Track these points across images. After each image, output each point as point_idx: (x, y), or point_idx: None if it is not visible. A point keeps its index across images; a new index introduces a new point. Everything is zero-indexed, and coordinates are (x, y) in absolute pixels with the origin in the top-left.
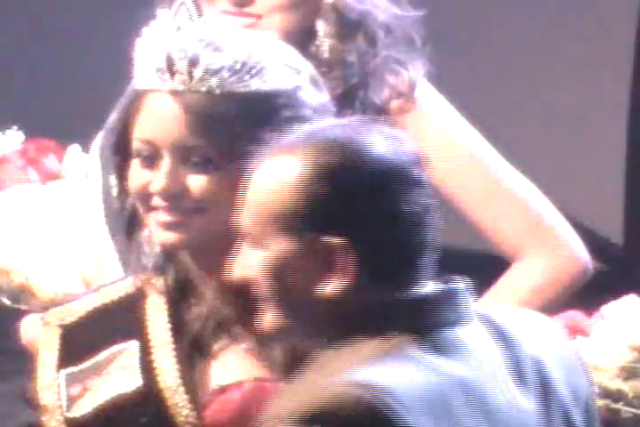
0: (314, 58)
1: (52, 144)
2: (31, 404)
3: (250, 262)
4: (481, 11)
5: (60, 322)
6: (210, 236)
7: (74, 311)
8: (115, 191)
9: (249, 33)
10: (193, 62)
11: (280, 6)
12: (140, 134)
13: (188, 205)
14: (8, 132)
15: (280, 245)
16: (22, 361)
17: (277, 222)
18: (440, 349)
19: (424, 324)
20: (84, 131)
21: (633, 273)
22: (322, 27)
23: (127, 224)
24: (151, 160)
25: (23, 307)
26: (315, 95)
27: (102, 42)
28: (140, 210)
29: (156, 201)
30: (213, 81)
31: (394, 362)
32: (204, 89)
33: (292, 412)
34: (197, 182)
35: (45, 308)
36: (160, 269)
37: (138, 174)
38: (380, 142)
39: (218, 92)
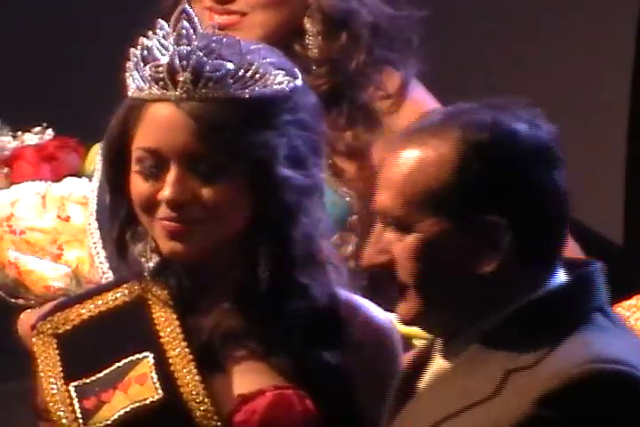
0: (299, 56)
1: (73, 142)
2: (41, 416)
3: (388, 247)
4: (477, 9)
5: (55, 331)
6: (213, 245)
7: (68, 320)
8: (109, 199)
9: (244, 40)
10: (196, 71)
11: (263, 4)
12: (144, 144)
13: (195, 214)
14: (36, 129)
15: (432, 227)
16: (22, 361)
17: (430, 203)
18: (615, 321)
19: (604, 300)
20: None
21: (633, 273)
22: (308, 25)
23: (120, 233)
24: (156, 171)
25: (20, 302)
26: (309, 97)
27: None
28: (144, 221)
29: (163, 211)
30: (217, 88)
31: (609, 338)
32: (208, 96)
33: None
34: (206, 192)
35: (40, 303)
36: (160, 279)
37: (142, 186)
38: (523, 122)
39: (222, 98)
